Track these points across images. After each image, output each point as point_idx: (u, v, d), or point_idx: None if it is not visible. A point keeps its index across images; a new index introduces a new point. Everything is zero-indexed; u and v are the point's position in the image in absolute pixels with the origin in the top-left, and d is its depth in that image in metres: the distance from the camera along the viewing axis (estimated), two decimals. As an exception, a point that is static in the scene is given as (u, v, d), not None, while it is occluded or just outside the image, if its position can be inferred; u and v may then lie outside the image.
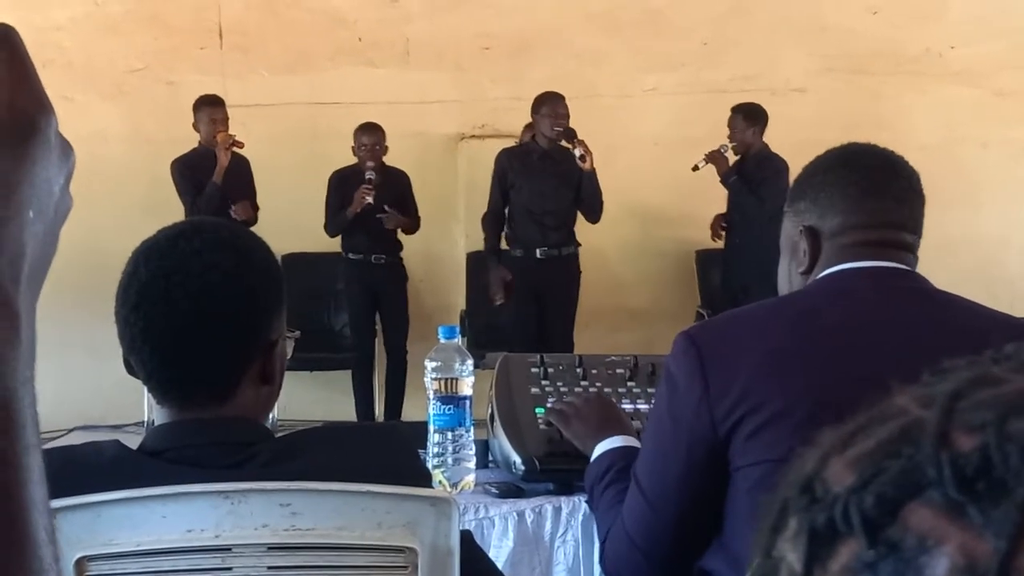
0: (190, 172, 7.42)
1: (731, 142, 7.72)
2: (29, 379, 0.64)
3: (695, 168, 7.73)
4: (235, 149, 7.46)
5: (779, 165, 7.53)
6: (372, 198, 7.39)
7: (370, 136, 7.53)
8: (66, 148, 0.66)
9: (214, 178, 7.36)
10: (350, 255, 7.72)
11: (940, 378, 0.55)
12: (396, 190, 7.61)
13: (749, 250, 7.63)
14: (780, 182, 7.48)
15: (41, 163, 0.64)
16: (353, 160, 7.64)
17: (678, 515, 2.02)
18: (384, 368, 7.83)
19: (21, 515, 0.62)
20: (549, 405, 3.04)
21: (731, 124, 7.75)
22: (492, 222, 7.49)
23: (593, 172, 7.31)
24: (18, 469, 0.62)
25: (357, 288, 7.73)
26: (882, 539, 0.51)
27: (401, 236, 7.74)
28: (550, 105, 7.32)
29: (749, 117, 7.73)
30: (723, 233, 7.89)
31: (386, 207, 7.50)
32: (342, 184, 7.56)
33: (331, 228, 7.64)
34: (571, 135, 7.25)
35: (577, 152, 7.21)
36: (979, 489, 0.49)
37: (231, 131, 7.51)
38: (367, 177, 7.43)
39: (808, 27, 8.58)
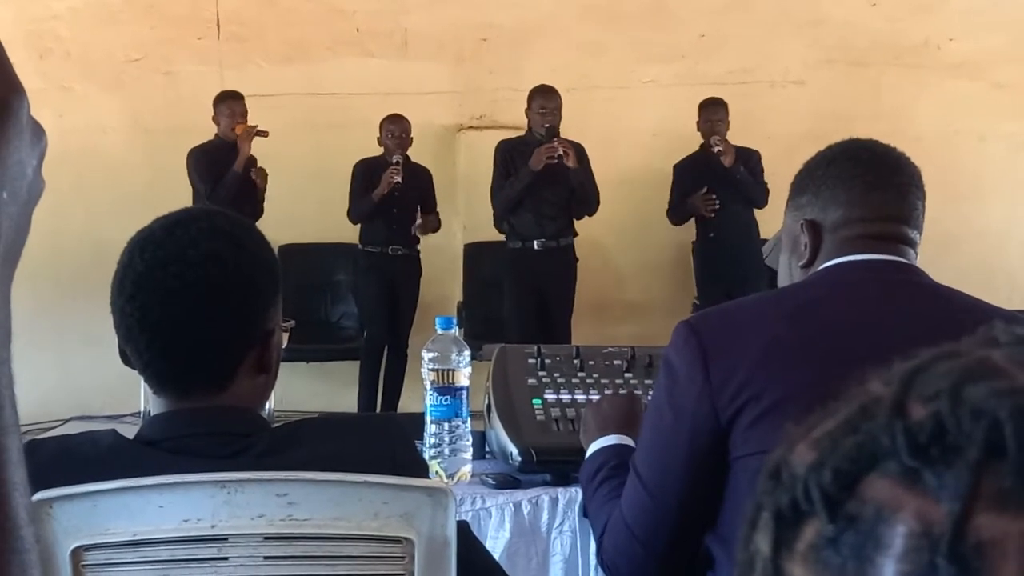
0: (208, 162, 7.47)
1: (712, 135, 7.68)
2: (5, 360, 0.64)
3: (716, 150, 7.66)
4: (259, 137, 7.52)
5: (757, 155, 7.60)
6: (400, 177, 7.45)
7: (398, 125, 7.63)
8: (38, 131, 0.66)
9: (235, 167, 7.41)
10: (368, 247, 7.75)
11: (907, 362, 0.56)
12: (419, 185, 7.67)
13: (744, 241, 7.64)
14: (762, 171, 7.56)
15: (14, 145, 0.63)
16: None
17: (678, 506, 2.02)
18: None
19: (2, 496, 0.62)
20: (547, 397, 3.05)
21: (717, 116, 7.70)
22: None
23: (580, 169, 7.27)
24: None
25: (373, 280, 7.74)
26: (842, 513, 0.51)
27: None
28: (539, 100, 7.34)
29: (727, 110, 7.73)
30: (716, 208, 7.80)
31: (418, 221, 7.60)
32: (367, 172, 7.60)
33: (355, 214, 7.68)
34: (552, 133, 7.23)
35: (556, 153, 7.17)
36: (933, 454, 0.50)
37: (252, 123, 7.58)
38: (394, 160, 7.51)
39: (806, 19, 8.57)
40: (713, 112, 7.74)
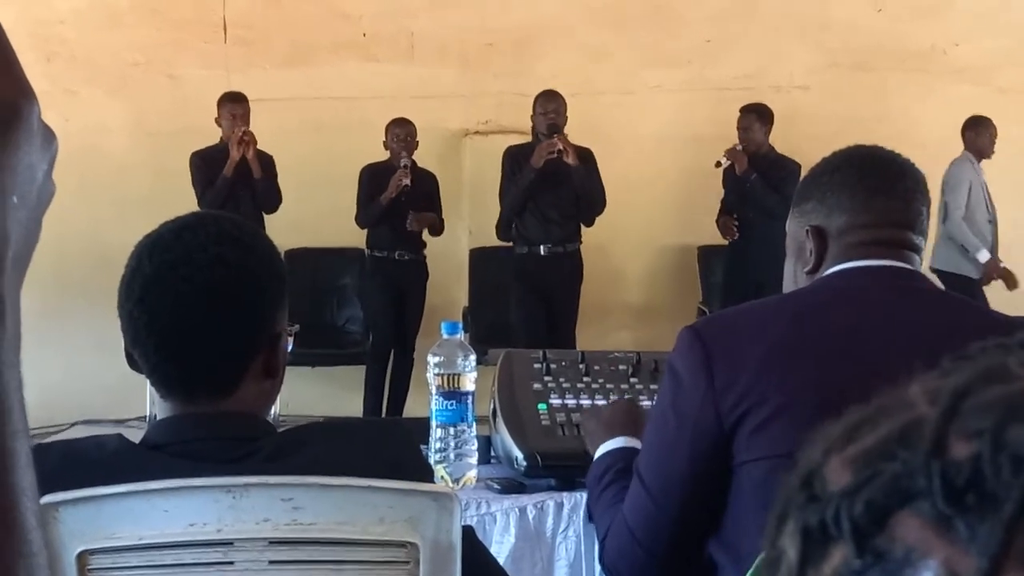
0: (206, 165, 7.47)
1: (742, 142, 7.72)
2: (15, 364, 0.64)
3: (718, 164, 7.73)
4: (254, 146, 7.45)
5: (793, 166, 7.55)
6: (408, 180, 7.46)
7: (403, 128, 7.64)
8: (48, 135, 0.66)
9: (224, 172, 7.40)
10: (375, 252, 7.76)
11: (957, 366, 0.54)
12: (425, 190, 7.67)
13: (765, 248, 7.62)
14: (796, 182, 7.50)
15: (24, 149, 0.64)
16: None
17: (680, 510, 2.02)
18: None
19: (11, 501, 0.62)
20: (552, 402, 3.05)
21: (744, 124, 7.76)
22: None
23: (582, 169, 7.28)
24: (6, 455, 0.62)
25: (380, 284, 7.75)
26: (870, 547, 0.50)
27: (424, 235, 7.79)
28: (541, 103, 7.36)
29: (763, 117, 7.77)
30: (737, 231, 7.85)
31: (411, 211, 7.57)
32: (375, 177, 7.61)
33: (363, 219, 7.68)
34: (554, 131, 7.24)
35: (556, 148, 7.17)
36: (968, 502, 0.49)
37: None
38: (402, 163, 7.51)
39: (812, 24, 8.58)
40: (742, 119, 7.81)
